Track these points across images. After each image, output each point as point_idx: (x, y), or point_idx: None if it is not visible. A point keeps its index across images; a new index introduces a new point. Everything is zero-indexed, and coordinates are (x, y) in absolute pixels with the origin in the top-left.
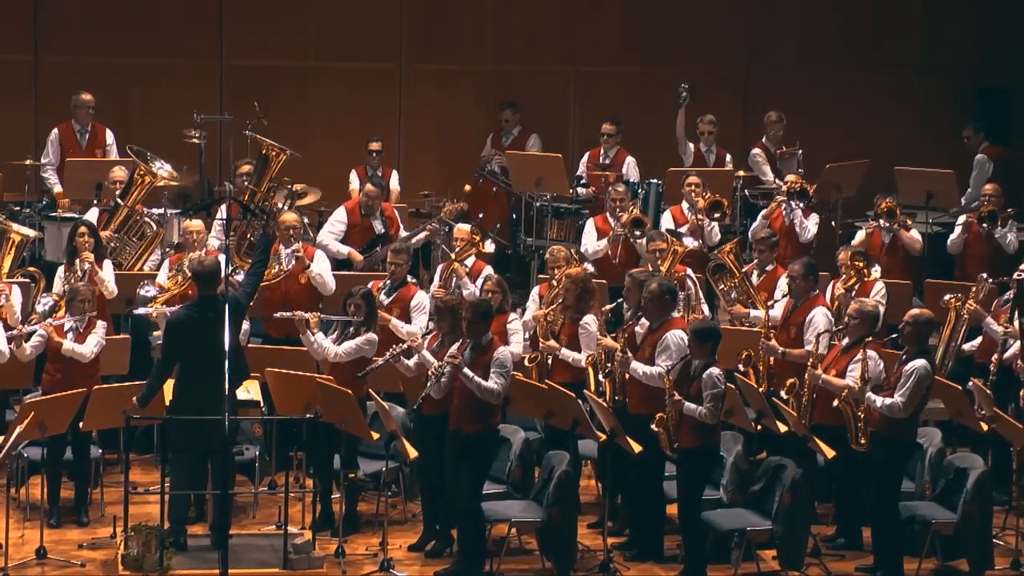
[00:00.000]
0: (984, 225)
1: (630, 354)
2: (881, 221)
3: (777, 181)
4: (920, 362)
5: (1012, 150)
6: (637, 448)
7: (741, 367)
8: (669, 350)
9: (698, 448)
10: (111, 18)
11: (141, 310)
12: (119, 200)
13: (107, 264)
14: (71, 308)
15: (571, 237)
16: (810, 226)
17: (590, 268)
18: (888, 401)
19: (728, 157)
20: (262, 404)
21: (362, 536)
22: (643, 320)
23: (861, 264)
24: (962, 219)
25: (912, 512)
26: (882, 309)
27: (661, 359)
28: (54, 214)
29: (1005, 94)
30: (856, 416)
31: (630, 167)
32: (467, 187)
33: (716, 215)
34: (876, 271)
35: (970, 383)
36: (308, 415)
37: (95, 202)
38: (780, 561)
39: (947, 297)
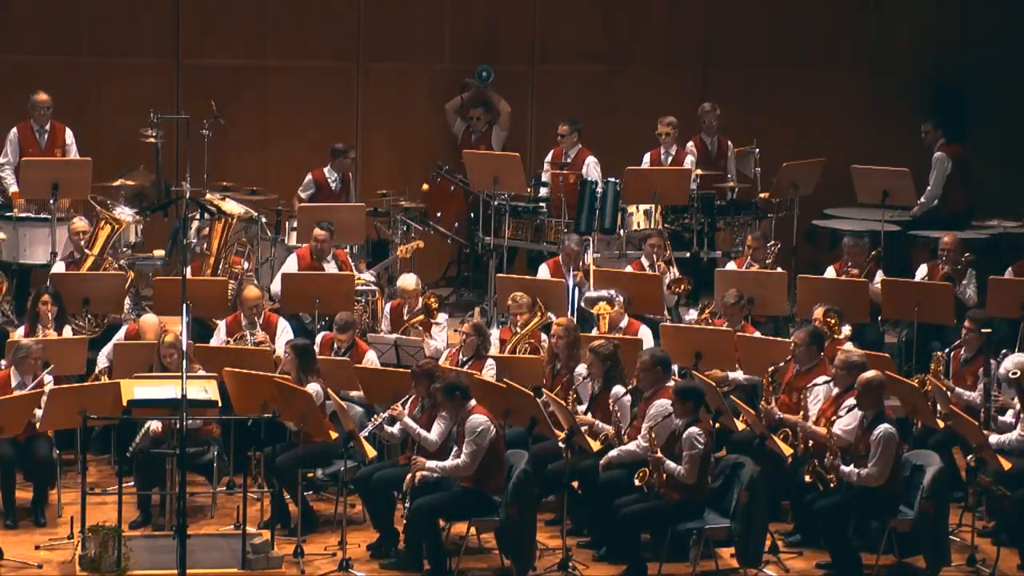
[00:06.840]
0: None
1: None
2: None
3: (730, 179)
4: (883, 427)
5: (968, 148)
6: (596, 446)
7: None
8: (650, 422)
9: (681, 502)
10: (66, 16)
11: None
12: (86, 250)
13: (67, 331)
14: (20, 367)
15: (528, 236)
16: None
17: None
18: (863, 472)
19: (689, 159)
20: (220, 404)
21: (320, 535)
22: (614, 389)
23: (833, 321)
24: (921, 272)
25: None
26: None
27: (644, 429)
28: (9, 214)
29: (962, 93)
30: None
31: (590, 167)
32: (425, 186)
33: (678, 290)
34: (847, 330)
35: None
36: (266, 415)
37: (51, 201)
38: (738, 559)
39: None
